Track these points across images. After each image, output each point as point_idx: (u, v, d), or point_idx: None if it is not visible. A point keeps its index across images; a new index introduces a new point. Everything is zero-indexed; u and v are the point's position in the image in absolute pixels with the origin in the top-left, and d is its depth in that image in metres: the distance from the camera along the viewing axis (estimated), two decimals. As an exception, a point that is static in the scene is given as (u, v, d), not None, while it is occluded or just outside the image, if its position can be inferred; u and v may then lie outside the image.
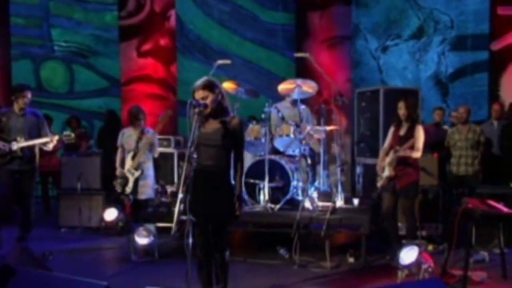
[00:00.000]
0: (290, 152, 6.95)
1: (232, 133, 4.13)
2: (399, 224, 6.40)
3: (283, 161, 6.59)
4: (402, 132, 6.06)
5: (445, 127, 8.66)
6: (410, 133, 5.95)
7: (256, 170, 6.53)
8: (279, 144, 6.86)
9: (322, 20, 10.70)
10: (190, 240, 4.02)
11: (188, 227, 4.01)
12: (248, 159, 7.05)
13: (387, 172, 6.04)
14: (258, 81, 11.32)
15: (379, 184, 6.24)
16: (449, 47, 11.34)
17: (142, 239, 6.37)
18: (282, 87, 7.07)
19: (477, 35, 10.89)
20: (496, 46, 10.51)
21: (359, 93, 8.30)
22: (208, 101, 4.09)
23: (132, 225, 6.56)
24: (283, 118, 6.98)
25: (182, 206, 4.22)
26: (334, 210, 6.34)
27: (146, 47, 10.54)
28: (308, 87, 7.08)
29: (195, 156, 4.10)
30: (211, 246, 4.22)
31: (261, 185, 6.46)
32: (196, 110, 4.04)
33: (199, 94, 4.08)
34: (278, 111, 7.08)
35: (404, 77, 11.34)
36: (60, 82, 12.34)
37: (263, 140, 6.64)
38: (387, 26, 11.62)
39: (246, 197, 6.59)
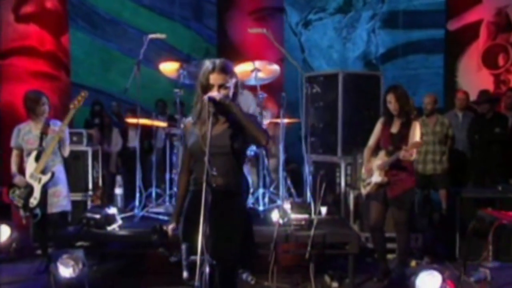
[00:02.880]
0: (251, 153, 6.84)
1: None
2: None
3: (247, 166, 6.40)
4: (394, 129, 5.91)
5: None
6: (404, 131, 5.81)
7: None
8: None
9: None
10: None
11: (205, 273, 3.33)
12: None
13: (377, 178, 5.86)
14: (157, 58, 10.47)
15: (365, 190, 6.09)
16: (380, 24, 11.51)
17: (66, 270, 5.52)
18: (241, 69, 6.71)
19: (410, 11, 11.17)
20: (453, 25, 10.82)
21: (308, 77, 7.99)
22: (226, 92, 3.55)
23: (52, 251, 5.79)
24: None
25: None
26: (311, 223, 6.01)
27: (28, 8, 9.26)
28: (269, 71, 6.79)
29: (214, 173, 3.42)
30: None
31: None
32: (211, 107, 3.43)
33: (216, 79, 3.51)
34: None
35: (329, 57, 11.38)
36: None
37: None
38: (309, -3, 11.42)
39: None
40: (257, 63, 6.68)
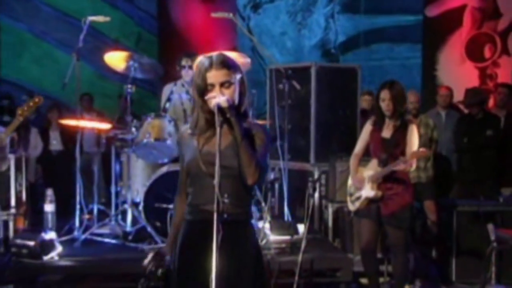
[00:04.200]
0: None
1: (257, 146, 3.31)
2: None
3: None
4: (386, 133, 5.66)
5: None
6: (399, 135, 5.58)
7: (165, 188, 5.96)
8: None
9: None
10: None
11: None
12: (146, 169, 6.60)
13: (369, 191, 5.61)
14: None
15: (353, 206, 5.82)
16: (339, 8, 11.39)
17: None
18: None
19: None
20: (432, 11, 10.63)
21: (273, 71, 7.58)
22: (231, 91, 3.23)
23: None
24: (185, 110, 6.67)
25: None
26: (294, 246, 5.83)
27: None
28: (240, 63, 6.23)
29: (226, 200, 3.10)
30: None
31: None
32: (220, 116, 3.09)
33: (216, 76, 3.20)
34: (181, 97, 6.78)
35: (282, 45, 11.12)
36: None
37: (169, 141, 6.14)
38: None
39: (150, 230, 6.03)
40: (227, 54, 6.14)
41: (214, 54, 3.29)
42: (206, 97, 3.13)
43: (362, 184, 5.67)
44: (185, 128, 3.41)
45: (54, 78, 9.58)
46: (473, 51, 10.43)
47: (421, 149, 5.43)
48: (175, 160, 6.20)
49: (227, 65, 3.23)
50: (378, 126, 5.71)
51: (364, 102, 8.48)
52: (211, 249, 2.95)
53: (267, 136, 3.34)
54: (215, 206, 2.96)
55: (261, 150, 3.22)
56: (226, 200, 3.08)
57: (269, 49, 10.80)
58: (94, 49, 8.96)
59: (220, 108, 3.05)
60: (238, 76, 3.26)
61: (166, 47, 10.00)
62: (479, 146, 7.69)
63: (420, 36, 10.92)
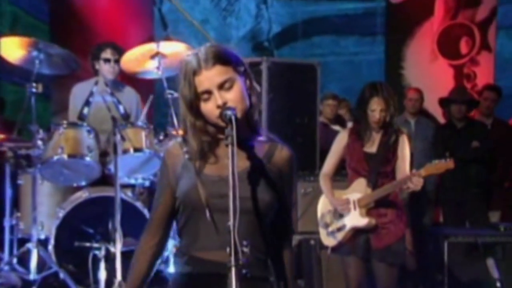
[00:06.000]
0: (139, 181, 6.50)
1: (278, 177, 3.07)
2: None
3: (137, 203, 6.12)
4: (371, 147, 5.53)
5: (336, 127, 8.32)
6: (389, 150, 5.48)
7: (84, 220, 5.95)
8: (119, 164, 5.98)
9: None
10: None
11: None
12: (55, 195, 6.40)
13: (358, 220, 5.40)
14: None
15: (332, 240, 5.55)
16: None
17: None
18: (131, 56, 6.39)
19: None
20: None
21: None
22: (235, 92, 2.91)
23: None
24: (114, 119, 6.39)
25: None
26: None
27: None
28: (180, 57, 6.18)
29: (245, 248, 2.71)
30: None
31: (101, 251, 5.80)
32: (230, 134, 2.75)
33: (211, 79, 2.90)
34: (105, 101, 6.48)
35: (203, 38, 9.86)
36: None
37: (88, 158, 6.00)
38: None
39: (64, 277, 5.76)
40: (163, 46, 6.30)
41: (201, 48, 2.96)
42: (204, 110, 2.85)
43: (345, 210, 5.47)
44: (176, 143, 3.09)
45: None
46: (447, 46, 10.39)
47: (447, 161, 5.28)
48: (95, 183, 6.11)
49: (222, 58, 2.91)
50: (358, 138, 5.58)
51: (326, 108, 8.39)
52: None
53: (292, 157, 3.08)
54: (231, 257, 2.59)
55: (290, 189, 3.08)
56: (245, 249, 2.68)
57: (187, 40, 10.08)
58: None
59: (230, 119, 2.72)
60: (242, 70, 2.94)
61: (61, 37, 9.47)
62: (464, 161, 7.50)
63: (381, 27, 10.91)
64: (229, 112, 2.74)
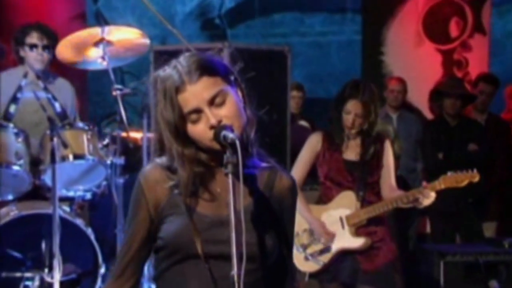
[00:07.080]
0: (78, 193, 6.46)
1: (279, 211, 3.08)
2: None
3: (78, 220, 6.12)
4: (350, 154, 5.71)
5: (303, 123, 8.59)
6: (374, 158, 5.65)
7: (12, 244, 5.91)
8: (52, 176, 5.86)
9: None
10: None
11: None
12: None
13: (349, 241, 5.57)
14: None
15: (313, 265, 5.68)
16: None
17: None
18: (69, 42, 6.27)
19: None
20: None
21: (159, 54, 7.00)
22: (229, 107, 2.90)
23: None
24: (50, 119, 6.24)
25: None
26: None
27: None
28: (130, 45, 6.61)
29: None
30: None
31: (35, 281, 5.85)
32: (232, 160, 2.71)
33: (199, 94, 2.85)
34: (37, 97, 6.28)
35: (142, 11, 10.64)
36: None
37: (16, 167, 5.95)
38: None
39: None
40: (108, 30, 6.22)
41: (179, 59, 2.89)
42: (193, 134, 2.76)
43: (327, 231, 5.62)
44: (156, 168, 2.94)
45: None
46: (434, 28, 10.30)
47: (471, 173, 5.58)
48: (25, 197, 6.03)
49: (208, 68, 2.84)
50: (332, 144, 5.76)
51: (290, 101, 8.22)
52: None
53: (294, 186, 3.07)
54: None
55: (291, 222, 3.09)
56: None
57: (123, 17, 10.86)
58: None
59: (233, 142, 2.66)
60: (231, 79, 2.88)
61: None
62: (461, 165, 7.03)
63: (353, 2, 10.99)
64: (230, 135, 2.63)
